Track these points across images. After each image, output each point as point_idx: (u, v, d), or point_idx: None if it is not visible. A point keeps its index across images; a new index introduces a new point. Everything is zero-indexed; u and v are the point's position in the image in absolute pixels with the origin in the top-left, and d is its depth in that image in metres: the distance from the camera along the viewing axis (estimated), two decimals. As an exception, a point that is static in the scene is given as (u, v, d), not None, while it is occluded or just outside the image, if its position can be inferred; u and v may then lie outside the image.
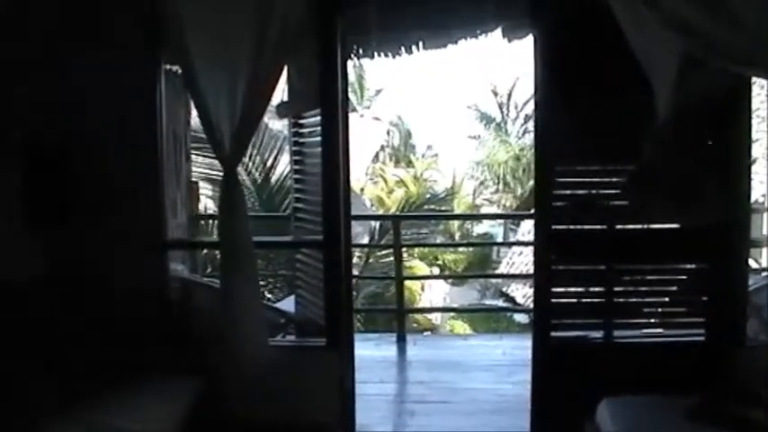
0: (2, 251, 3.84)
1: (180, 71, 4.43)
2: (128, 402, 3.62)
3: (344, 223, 4.23)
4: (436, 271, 17.14)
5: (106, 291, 4.20)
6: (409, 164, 21.92)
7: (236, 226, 3.93)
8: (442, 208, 15.94)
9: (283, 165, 9.47)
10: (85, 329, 4.02)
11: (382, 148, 22.91)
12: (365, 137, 19.83)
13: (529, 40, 4.28)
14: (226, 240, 3.97)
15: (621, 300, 4.25)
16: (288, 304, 5.44)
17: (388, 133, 23.16)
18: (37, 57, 4.04)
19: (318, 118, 4.32)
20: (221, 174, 4.06)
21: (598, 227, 4.16)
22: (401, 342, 6.83)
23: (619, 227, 4.15)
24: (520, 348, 6.03)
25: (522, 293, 14.35)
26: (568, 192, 4.20)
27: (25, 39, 3.98)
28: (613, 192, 4.10)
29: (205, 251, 7.06)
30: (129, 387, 3.77)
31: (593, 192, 4.19)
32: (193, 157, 6.40)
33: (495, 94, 22.64)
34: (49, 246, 4.16)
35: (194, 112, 5.27)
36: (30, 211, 4.04)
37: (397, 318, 7.19)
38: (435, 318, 15.60)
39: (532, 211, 4.66)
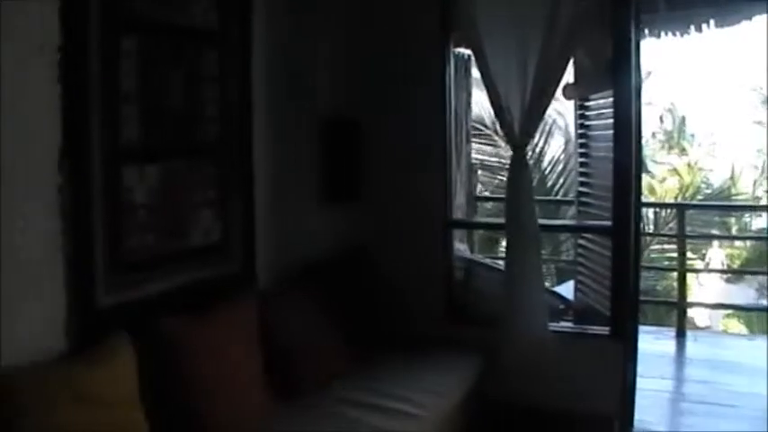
0: (303, 226, 4.10)
1: (470, 54, 4.50)
2: (412, 374, 3.75)
3: (634, 210, 4.08)
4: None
5: (394, 266, 4.39)
6: (683, 151, 20.74)
7: (523, 208, 3.93)
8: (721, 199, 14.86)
9: (554, 148, 9.32)
10: (375, 303, 4.23)
11: (653, 134, 21.83)
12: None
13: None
14: (512, 222, 3.98)
15: None
16: (565, 289, 5.35)
17: (660, 119, 22.04)
18: (332, 37, 4.26)
19: (606, 100, 4.21)
20: (496, 157, 4.08)
21: None
22: (680, 337, 6.49)
23: None
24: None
25: (813, 296, 13.09)
26: None
27: (320, 17, 4.20)
28: None
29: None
30: (415, 360, 3.92)
31: None
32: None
33: (785, 75, 20.74)
34: (341, 222, 4.39)
35: (474, 95, 5.38)
36: (325, 188, 4.27)
37: (678, 312, 6.83)
38: (695, 314, 14.55)
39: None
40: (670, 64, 23.73)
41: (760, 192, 20.31)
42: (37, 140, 2.58)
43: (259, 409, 3.19)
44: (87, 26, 2.70)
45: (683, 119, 21.99)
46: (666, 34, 5.01)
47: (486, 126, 7.96)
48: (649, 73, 23.04)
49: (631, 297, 4.14)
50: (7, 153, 2.46)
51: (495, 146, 8.11)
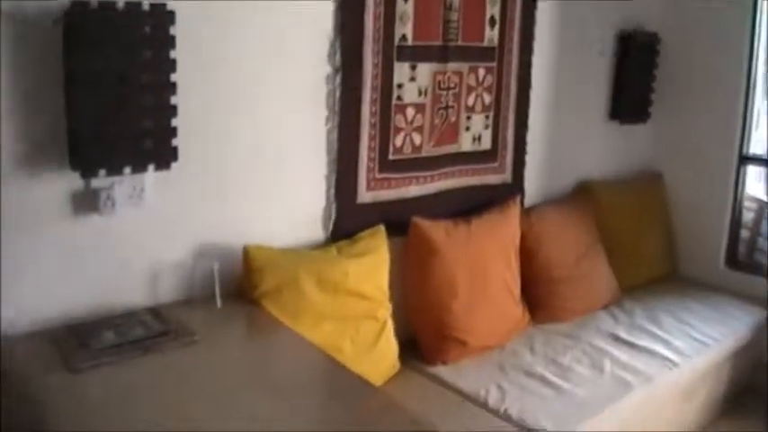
0: (582, 143, 3.89)
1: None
2: (680, 317, 3.49)
3: None
4: None
5: (677, 198, 4.13)
6: None
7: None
8: None
9: None
10: (654, 235, 4.00)
11: None
12: None
13: None
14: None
15: None
16: None
17: None
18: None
19: None
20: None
21: None
22: None
23: None
24: None
25: None
26: None
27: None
28: None
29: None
30: (687, 303, 3.68)
31: None
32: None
33: None
34: (626, 143, 4.12)
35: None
36: (613, 105, 3.99)
37: None
38: None
39: None
40: None
41: None
42: (306, 27, 2.57)
43: (512, 325, 3.13)
44: None
45: None
46: None
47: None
48: None
49: None
50: (278, 38, 2.49)
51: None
